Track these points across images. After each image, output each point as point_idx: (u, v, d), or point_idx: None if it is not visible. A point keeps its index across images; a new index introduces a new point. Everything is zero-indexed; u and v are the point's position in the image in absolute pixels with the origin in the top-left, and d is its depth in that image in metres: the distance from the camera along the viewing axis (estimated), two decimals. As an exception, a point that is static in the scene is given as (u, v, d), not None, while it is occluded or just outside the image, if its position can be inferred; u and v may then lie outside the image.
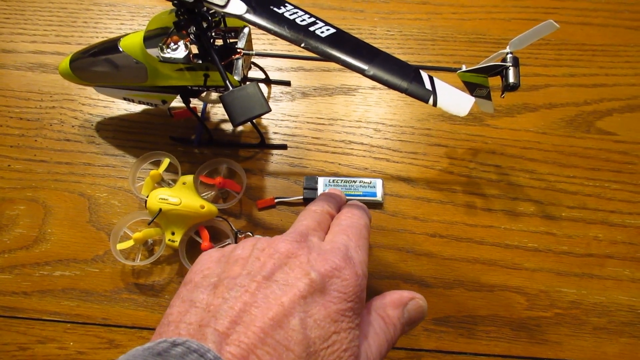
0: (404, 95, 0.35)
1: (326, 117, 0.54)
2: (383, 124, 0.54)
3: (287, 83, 0.55)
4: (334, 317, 0.26)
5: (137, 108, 0.54)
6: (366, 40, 0.37)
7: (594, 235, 0.49)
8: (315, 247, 0.29)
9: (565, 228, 0.49)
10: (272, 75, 0.55)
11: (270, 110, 0.36)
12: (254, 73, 0.54)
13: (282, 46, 0.57)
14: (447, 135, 0.53)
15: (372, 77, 0.34)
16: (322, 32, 0.36)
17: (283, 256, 0.28)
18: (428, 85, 0.35)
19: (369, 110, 0.54)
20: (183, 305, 0.26)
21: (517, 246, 0.48)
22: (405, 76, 0.35)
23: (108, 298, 0.46)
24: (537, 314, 0.46)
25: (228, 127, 0.53)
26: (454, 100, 0.35)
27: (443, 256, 0.48)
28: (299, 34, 0.35)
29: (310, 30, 0.36)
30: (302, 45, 0.35)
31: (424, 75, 0.35)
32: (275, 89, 0.55)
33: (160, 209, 0.44)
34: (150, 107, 0.53)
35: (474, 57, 0.57)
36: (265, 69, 0.53)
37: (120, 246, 0.45)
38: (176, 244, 0.45)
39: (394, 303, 0.32)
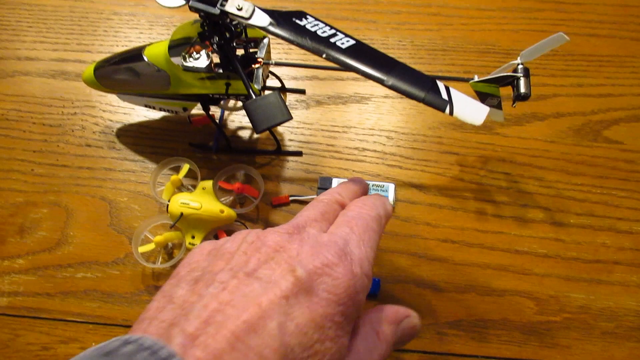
0: (415, 103, 0.36)
1: (340, 124, 0.55)
2: (395, 132, 0.55)
3: (302, 91, 0.57)
4: (319, 322, 0.22)
5: (157, 115, 0.55)
6: (380, 51, 0.38)
7: (602, 241, 0.50)
8: (310, 240, 0.26)
9: (574, 235, 0.50)
10: (288, 84, 0.56)
11: (291, 118, 0.37)
12: (270, 81, 0.55)
13: (297, 55, 0.59)
14: (458, 143, 0.54)
15: (391, 87, 0.36)
16: (343, 44, 0.37)
17: (271, 250, 0.25)
18: (444, 95, 0.36)
19: (381, 118, 0.56)
20: (162, 300, 0.24)
21: (527, 252, 0.50)
22: (422, 86, 0.36)
23: (128, 300, 0.48)
24: (546, 319, 0.47)
25: (245, 134, 0.55)
26: (470, 109, 0.36)
27: (454, 261, 0.49)
28: (320, 45, 0.37)
29: (331, 42, 0.37)
30: (324, 56, 0.37)
31: (440, 85, 0.37)
32: (291, 97, 0.57)
33: (182, 213, 0.45)
34: (170, 114, 0.54)
35: (484, 67, 0.58)
36: (281, 78, 0.55)
37: (142, 249, 0.47)
38: (196, 247, 0.46)
39: (389, 319, 0.28)
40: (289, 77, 0.58)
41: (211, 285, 0.23)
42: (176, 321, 0.21)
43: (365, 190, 0.37)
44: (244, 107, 0.38)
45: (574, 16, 0.61)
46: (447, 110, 0.36)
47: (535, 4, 0.62)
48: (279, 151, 0.53)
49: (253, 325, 0.21)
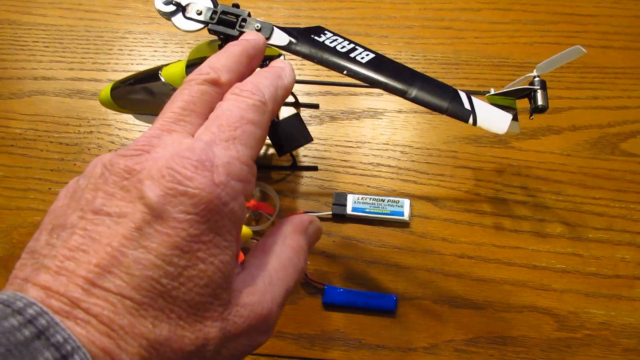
0: (429, 118, 0.36)
1: (354, 139, 0.55)
2: (410, 146, 0.55)
3: (316, 106, 0.57)
4: (183, 246, 0.20)
5: (172, 132, 0.56)
6: None
7: (621, 256, 0.49)
8: (165, 153, 0.22)
9: (593, 249, 0.50)
10: (301, 99, 0.57)
11: (312, 139, 0.37)
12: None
13: (310, 70, 0.59)
14: (472, 157, 0.54)
15: (413, 100, 0.36)
16: (362, 58, 0.37)
17: (119, 177, 0.21)
18: (467, 105, 0.36)
19: (395, 133, 0.56)
20: (25, 256, 0.22)
21: (545, 267, 0.49)
22: (445, 97, 0.36)
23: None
24: (566, 335, 0.46)
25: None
26: (493, 118, 0.36)
27: (472, 277, 0.49)
28: (341, 61, 0.37)
29: (351, 57, 0.37)
30: (345, 72, 0.37)
31: (462, 94, 0.37)
32: (305, 112, 0.57)
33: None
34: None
35: (498, 81, 0.58)
36: (294, 93, 0.55)
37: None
38: (212, 265, 0.46)
39: (299, 229, 0.27)
40: (303, 92, 0.58)
41: (63, 231, 0.21)
42: (31, 276, 0.20)
43: (255, 51, 0.29)
44: None
45: (588, 28, 0.61)
46: (471, 120, 0.35)
47: (549, 16, 0.62)
48: (295, 167, 0.53)
49: (106, 267, 0.19)
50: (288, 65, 0.28)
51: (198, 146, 0.22)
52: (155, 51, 0.61)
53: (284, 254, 0.26)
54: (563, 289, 0.48)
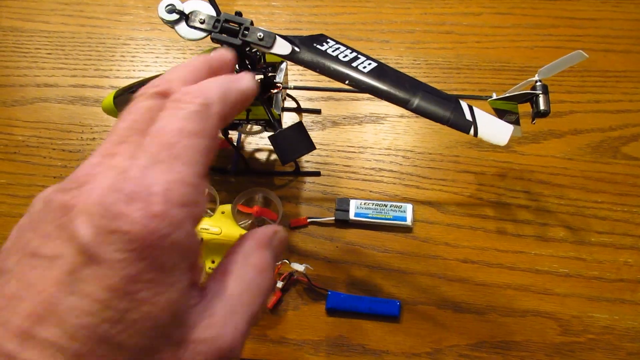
0: (431, 122, 0.36)
1: (356, 145, 0.56)
2: (412, 151, 0.55)
3: (318, 111, 0.57)
4: (121, 289, 0.18)
5: (174, 138, 0.56)
6: None
7: (624, 260, 0.49)
8: (100, 186, 0.19)
9: (595, 253, 0.50)
10: (303, 104, 0.57)
11: (315, 148, 0.37)
12: (286, 102, 0.56)
13: (312, 76, 0.59)
14: (475, 162, 0.54)
15: (415, 111, 0.36)
16: (365, 67, 0.38)
17: (56, 214, 0.19)
18: (468, 116, 0.36)
19: (397, 138, 0.56)
20: None
21: (548, 271, 0.49)
22: (446, 108, 0.36)
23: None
24: (570, 339, 0.47)
25: (262, 155, 0.55)
26: (494, 129, 0.36)
27: (475, 282, 0.49)
28: (343, 71, 0.37)
29: (353, 66, 0.37)
30: (347, 82, 0.37)
31: (464, 105, 0.37)
32: (307, 117, 0.57)
33: (202, 239, 0.46)
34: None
35: (499, 85, 0.58)
36: (296, 98, 0.55)
37: (163, 274, 0.47)
38: (216, 271, 0.46)
39: (263, 243, 0.24)
40: (305, 97, 0.58)
41: (1, 277, 0.19)
42: None
43: (219, 63, 0.26)
44: (269, 139, 0.38)
45: (589, 32, 0.61)
46: (472, 131, 0.36)
47: (549, 20, 0.62)
48: (297, 172, 0.53)
49: (41, 316, 0.18)
50: (249, 74, 0.25)
51: (132, 174, 0.19)
52: (157, 57, 0.61)
53: (246, 275, 0.23)
54: (566, 293, 0.48)
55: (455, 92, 0.57)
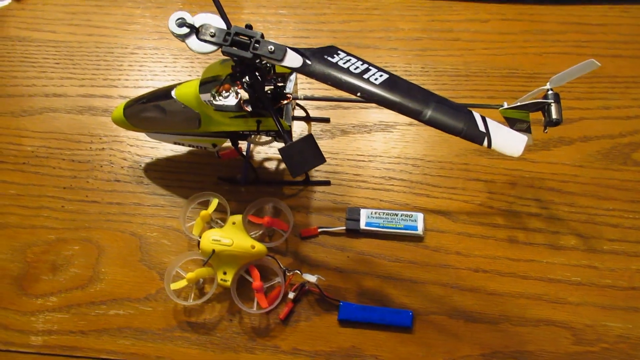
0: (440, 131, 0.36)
1: (366, 153, 0.55)
2: (422, 159, 0.55)
3: (327, 120, 0.57)
4: None
5: (184, 149, 0.56)
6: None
7: (637, 268, 0.49)
8: None
9: (608, 261, 0.50)
10: (312, 113, 0.57)
11: (325, 161, 0.37)
12: (295, 111, 0.56)
13: (320, 84, 0.59)
14: (485, 169, 0.54)
15: (428, 123, 0.36)
16: (376, 79, 0.37)
17: None
18: (482, 127, 0.36)
19: (407, 146, 0.56)
20: None
21: (560, 280, 0.49)
22: (459, 119, 0.36)
23: (161, 336, 0.48)
24: (584, 349, 0.46)
25: (272, 165, 0.55)
26: (508, 140, 0.36)
27: (487, 291, 0.49)
28: (355, 83, 0.37)
29: (364, 78, 0.37)
30: (358, 94, 0.37)
31: (477, 116, 0.36)
32: (316, 126, 0.57)
33: (214, 250, 0.46)
34: (198, 149, 0.55)
35: (508, 92, 0.58)
36: (305, 107, 0.55)
37: (174, 286, 0.47)
38: (228, 283, 0.46)
39: None
40: (313, 106, 0.58)
41: None
42: None
43: None
44: (279, 152, 0.38)
45: (597, 37, 0.61)
46: (485, 143, 0.35)
47: (557, 26, 0.62)
48: (307, 182, 0.53)
49: None
50: None
51: None
52: (166, 66, 0.61)
53: None
54: (579, 302, 0.48)
55: (464, 100, 0.57)
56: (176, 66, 0.61)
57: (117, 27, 0.64)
